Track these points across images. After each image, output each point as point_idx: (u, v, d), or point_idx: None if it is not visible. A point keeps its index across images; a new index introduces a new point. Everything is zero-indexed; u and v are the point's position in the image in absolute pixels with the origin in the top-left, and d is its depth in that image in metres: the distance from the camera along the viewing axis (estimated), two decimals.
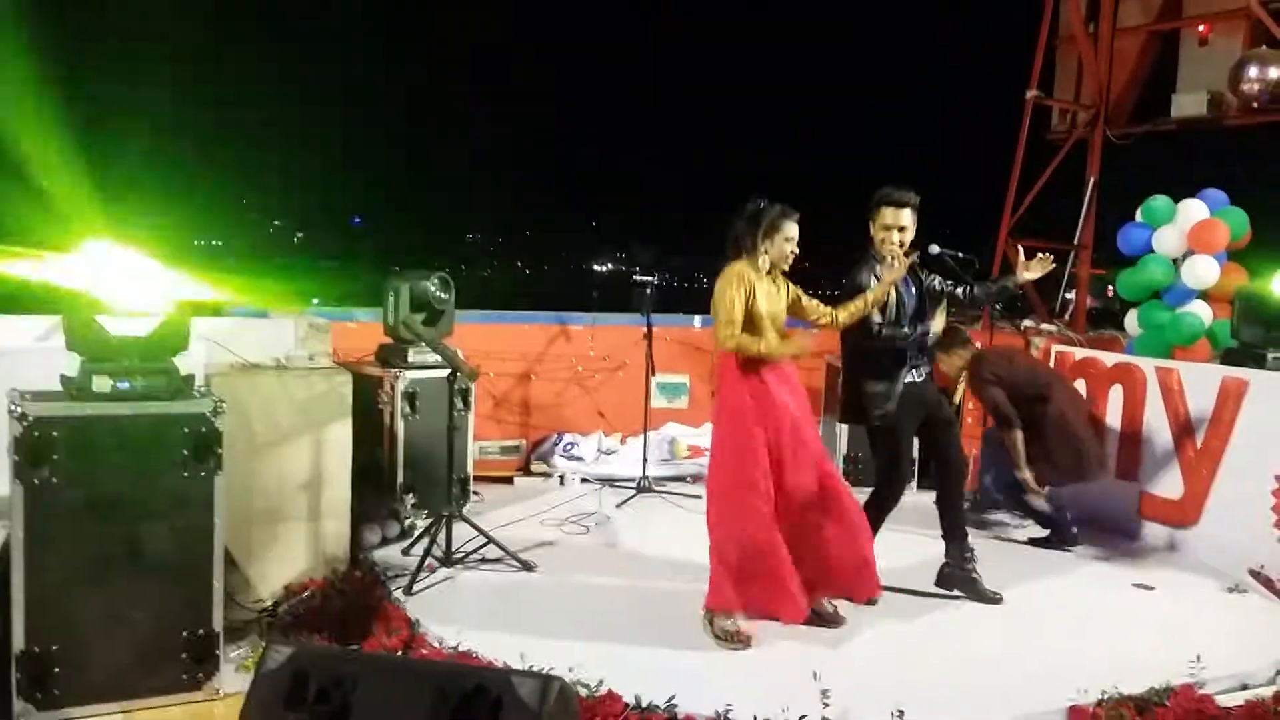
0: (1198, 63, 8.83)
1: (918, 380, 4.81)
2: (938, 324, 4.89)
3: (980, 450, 6.56)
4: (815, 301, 4.61)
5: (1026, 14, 9.51)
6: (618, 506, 6.45)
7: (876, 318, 4.67)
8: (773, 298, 4.46)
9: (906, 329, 4.74)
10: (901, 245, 4.73)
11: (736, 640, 4.23)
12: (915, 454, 7.08)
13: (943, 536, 4.96)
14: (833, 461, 4.68)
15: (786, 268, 4.52)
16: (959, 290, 5.04)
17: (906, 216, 4.72)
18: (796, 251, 4.46)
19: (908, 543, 5.16)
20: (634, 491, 6.71)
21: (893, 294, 4.70)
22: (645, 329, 6.89)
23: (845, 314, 4.56)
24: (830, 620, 4.47)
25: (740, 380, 4.37)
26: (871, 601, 4.60)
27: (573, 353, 7.61)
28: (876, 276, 4.65)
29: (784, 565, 4.28)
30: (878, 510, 4.85)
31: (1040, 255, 5.01)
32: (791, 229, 4.43)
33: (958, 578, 4.91)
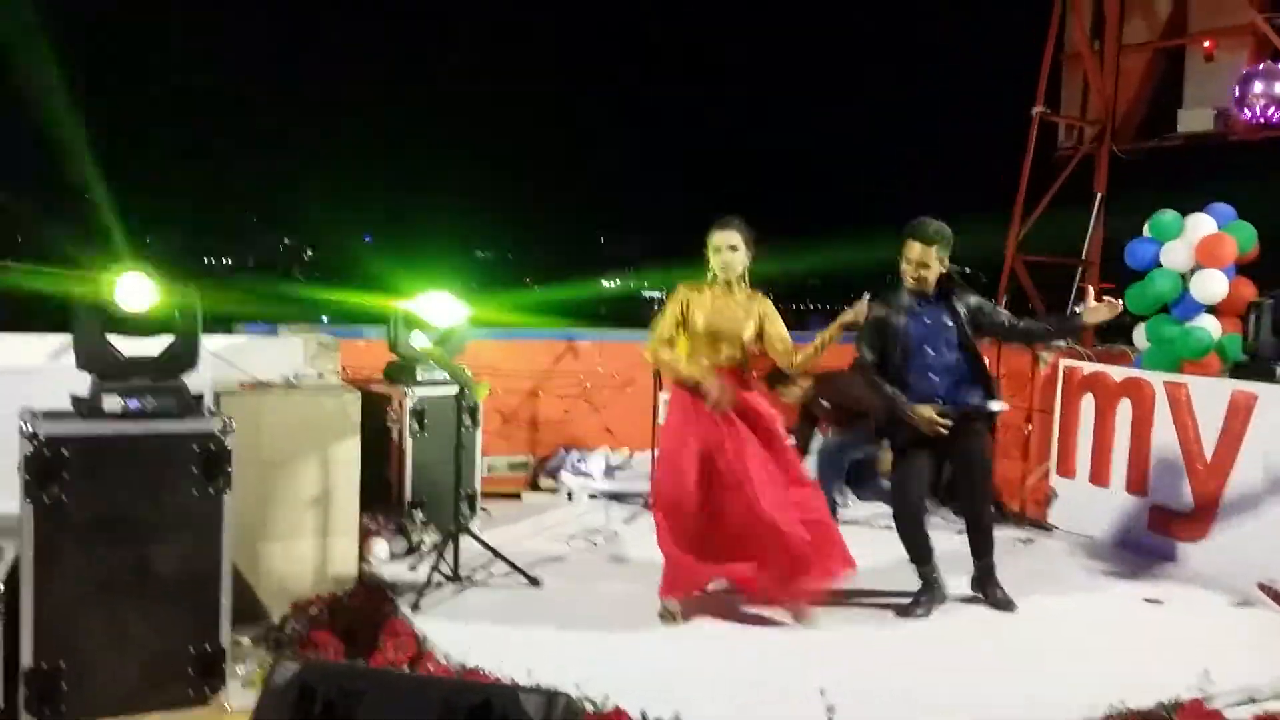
0: (1203, 79, 8.82)
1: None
2: None
3: (818, 467, 6.70)
4: (782, 333, 4.72)
5: (1029, 18, 9.52)
6: (625, 523, 6.45)
7: (868, 355, 4.79)
8: (721, 313, 4.62)
9: (912, 365, 4.76)
10: (923, 280, 4.77)
11: (670, 619, 4.56)
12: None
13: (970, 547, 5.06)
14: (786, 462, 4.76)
15: (730, 277, 4.65)
16: (1021, 323, 5.02)
17: (930, 253, 4.71)
18: (729, 261, 4.62)
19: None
20: (641, 507, 6.71)
21: (901, 326, 4.74)
22: None
23: (801, 357, 4.73)
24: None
25: (675, 395, 4.73)
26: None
27: (581, 369, 7.63)
28: (887, 307, 4.74)
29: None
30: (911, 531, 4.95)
31: (1109, 299, 4.80)
32: (717, 237, 4.64)
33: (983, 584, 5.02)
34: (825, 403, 6.75)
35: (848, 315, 4.63)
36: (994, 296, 5.31)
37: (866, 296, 4.70)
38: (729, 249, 4.63)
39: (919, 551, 4.93)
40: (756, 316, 4.68)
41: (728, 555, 4.60)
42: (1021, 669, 4.24)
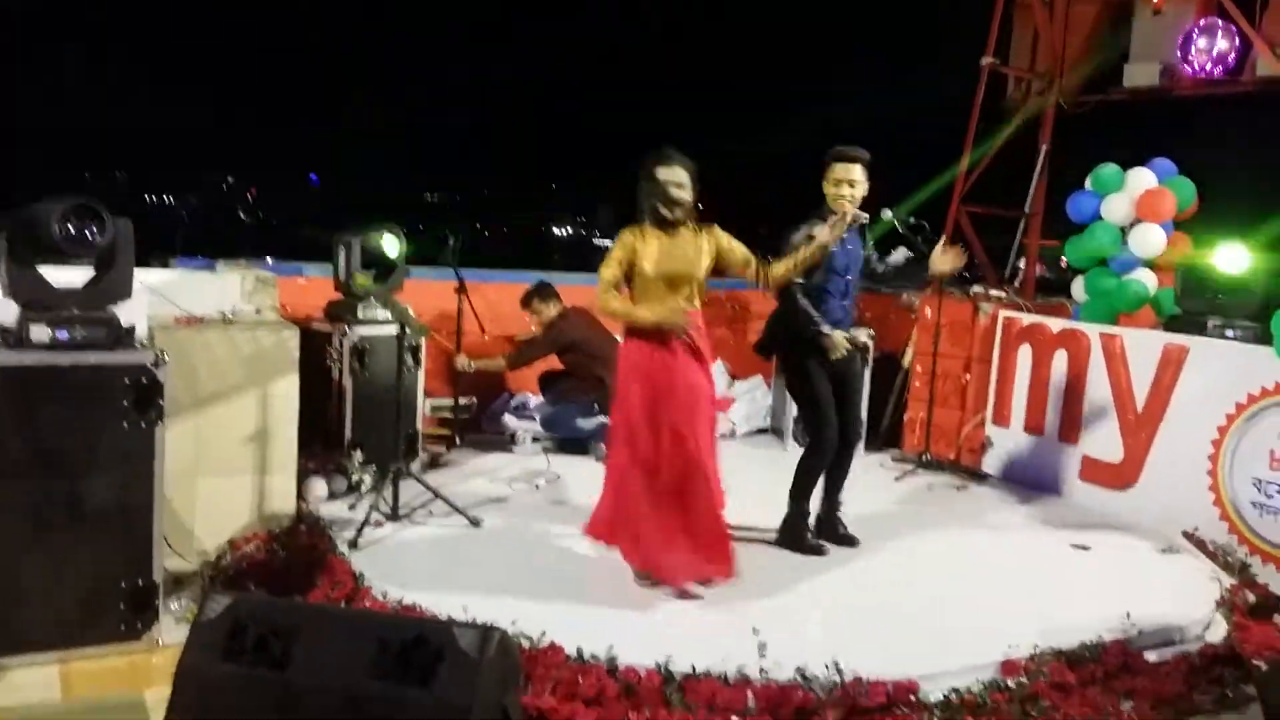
0: (1151, 32, 8.87)
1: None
2: None
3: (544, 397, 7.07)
4: (744, 252, 4.53)
5: None
6: (567, 466, 6.43)
7: (798, 278, 4.74)
8: (671, 255, 4.38)
9: (830, 288, 4.87)
10: (853, 200, 4.81)
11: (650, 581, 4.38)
12: (863, 414, 7.19)
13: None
14: (714, 437, 4.58)
15: (671, 215, 4.38)
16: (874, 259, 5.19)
17: (857, 172, 4.82)
18: (675, 196, 4.35)
19: (848, 501, 5.21)
20: (583, 450, 6.72)
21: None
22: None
23: (781, 269, 4.56)
24: (690, 596, 4.32)
25: (626, 343, 4.47)
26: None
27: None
28: (812, 235, 4.68)
29: (652, 529, 4.35)
30: (811, 464, 4.95)
31: (958, 248, 5.12)
32: (662, 173, 4.37)
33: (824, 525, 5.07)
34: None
35: (826, 233, 4.55)
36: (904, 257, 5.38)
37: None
38: (675, 186, 4.36)
39: (812, 487, 4.98)
40: (709, 250, 4.44)
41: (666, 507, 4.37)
42: (949, 609, 4.33)
